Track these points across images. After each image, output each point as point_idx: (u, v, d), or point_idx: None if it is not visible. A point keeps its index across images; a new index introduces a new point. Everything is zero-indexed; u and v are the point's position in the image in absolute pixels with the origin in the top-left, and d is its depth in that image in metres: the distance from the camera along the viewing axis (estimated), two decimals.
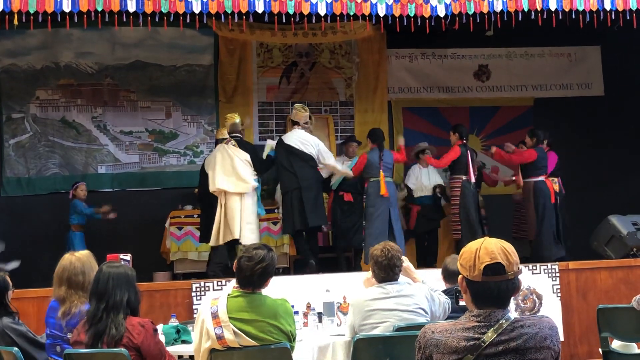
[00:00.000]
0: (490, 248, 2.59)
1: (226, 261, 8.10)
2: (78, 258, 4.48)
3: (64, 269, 4.43)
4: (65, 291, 4.38)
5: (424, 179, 9.53)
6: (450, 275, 5.30)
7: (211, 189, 8.15)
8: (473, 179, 8.77)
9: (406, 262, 4.94)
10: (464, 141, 8.93)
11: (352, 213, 8.95)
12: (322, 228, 8.98)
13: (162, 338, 4.96)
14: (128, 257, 5.39)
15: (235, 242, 8.12)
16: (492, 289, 2.57)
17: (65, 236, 9.34)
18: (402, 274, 4.86)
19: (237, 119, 8.53)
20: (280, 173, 8.46)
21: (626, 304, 5.54)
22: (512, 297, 2.66)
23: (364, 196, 8.51)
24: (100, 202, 9.69)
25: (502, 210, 9.90)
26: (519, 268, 2.60)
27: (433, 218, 9.45)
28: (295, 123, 8.54)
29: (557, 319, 7.56)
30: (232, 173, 8.09)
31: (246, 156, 8.19)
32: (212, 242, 8.22)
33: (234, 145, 8.26)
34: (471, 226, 8.60)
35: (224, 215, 8.07)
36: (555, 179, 9.08)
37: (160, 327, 5.21)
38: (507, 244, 2.63)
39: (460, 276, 2.65)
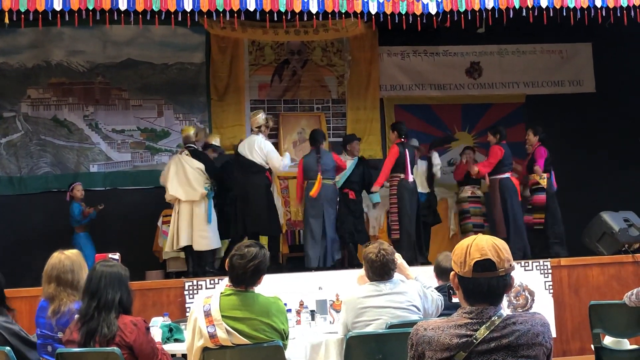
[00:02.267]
0: (481, 244, 2.58)
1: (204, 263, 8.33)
2: (67, 256, 4.48)
3: (52, 267, 4.43)
4: (54, 289, 4.37)
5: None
6: (442, 273, 5.30)
7: (167, 197, 8.46)
8: (411, 178, 8.61)
9: (400, 260, 4.94)
10: (403, 139, 8.77)
11: (356, 210, 9.02)
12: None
13: (158, 332, 4.96)
14: (117, 256, 5.38)
15: (191, 248, 8.36)
16: (482, 285, 2.56)
17: (70, 239, 9.26)
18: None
19: (192, 131, 8.77)
20: (231, 180, 8.69)
21: (618, 300, 5.56)
22: (505, 294, 2.66)
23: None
24: (93, 200, 9.65)
25: None
26: (510, 265, 2.59)
27: (423, 214, 9.39)
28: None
29: (550, 316, 7.58)
30: (185, 182, 8.34)
31: (199, 165, 8.38)
32: (167, 248, 8.66)
33: (187, 154, 8.49)
34: (409, 226, 8.54)
35: (177, 222, 8.35)
36: (544, 175, 9.06)
37: (158, 322, 5.19)
38: (499, 240, 2.62)
39: (452, 272, 2.65)
